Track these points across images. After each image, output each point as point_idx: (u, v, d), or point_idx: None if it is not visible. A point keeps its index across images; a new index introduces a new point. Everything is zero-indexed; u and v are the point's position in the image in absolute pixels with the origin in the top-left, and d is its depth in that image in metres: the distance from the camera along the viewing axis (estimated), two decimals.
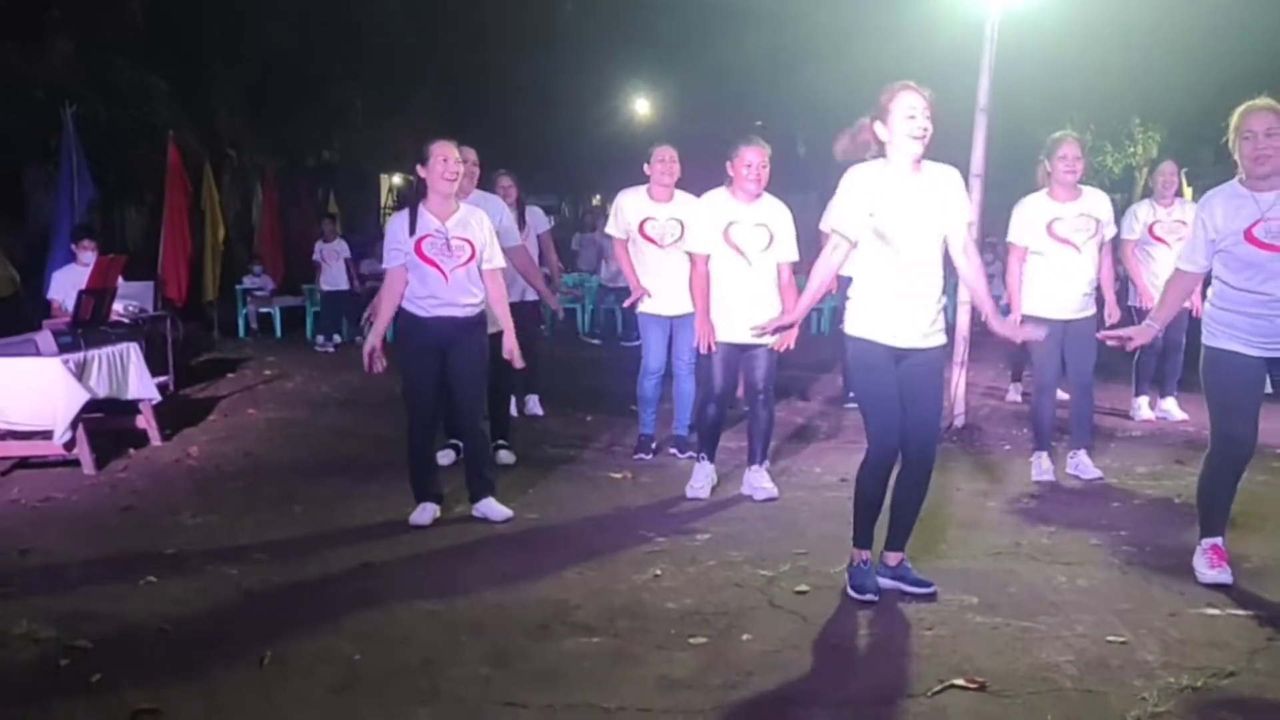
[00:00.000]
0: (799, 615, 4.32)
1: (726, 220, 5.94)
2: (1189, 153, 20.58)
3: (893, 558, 4.54)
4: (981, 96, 7.84)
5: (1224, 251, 4.48)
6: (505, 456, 6.90)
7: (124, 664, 3.89)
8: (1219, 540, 4.64)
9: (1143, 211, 8.07)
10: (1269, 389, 4.64)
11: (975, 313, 8.40)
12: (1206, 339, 4.60)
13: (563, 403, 9.06)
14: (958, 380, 7.89)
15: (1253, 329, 4.46)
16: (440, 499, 5.79)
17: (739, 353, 6.02)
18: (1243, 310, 4.46)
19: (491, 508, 5.72)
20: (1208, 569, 4.59)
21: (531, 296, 8.45)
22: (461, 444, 6.77)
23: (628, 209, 7.01)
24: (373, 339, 5.63)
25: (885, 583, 4.52)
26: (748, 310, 5.91)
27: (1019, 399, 9.10)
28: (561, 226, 22.92)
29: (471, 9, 20.09)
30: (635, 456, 7.13)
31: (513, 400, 8.67)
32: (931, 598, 4.39)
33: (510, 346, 5.74)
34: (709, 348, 5.96)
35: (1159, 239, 7.92)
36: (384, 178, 25.86)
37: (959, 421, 7.86)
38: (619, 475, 6.73)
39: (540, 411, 8.82)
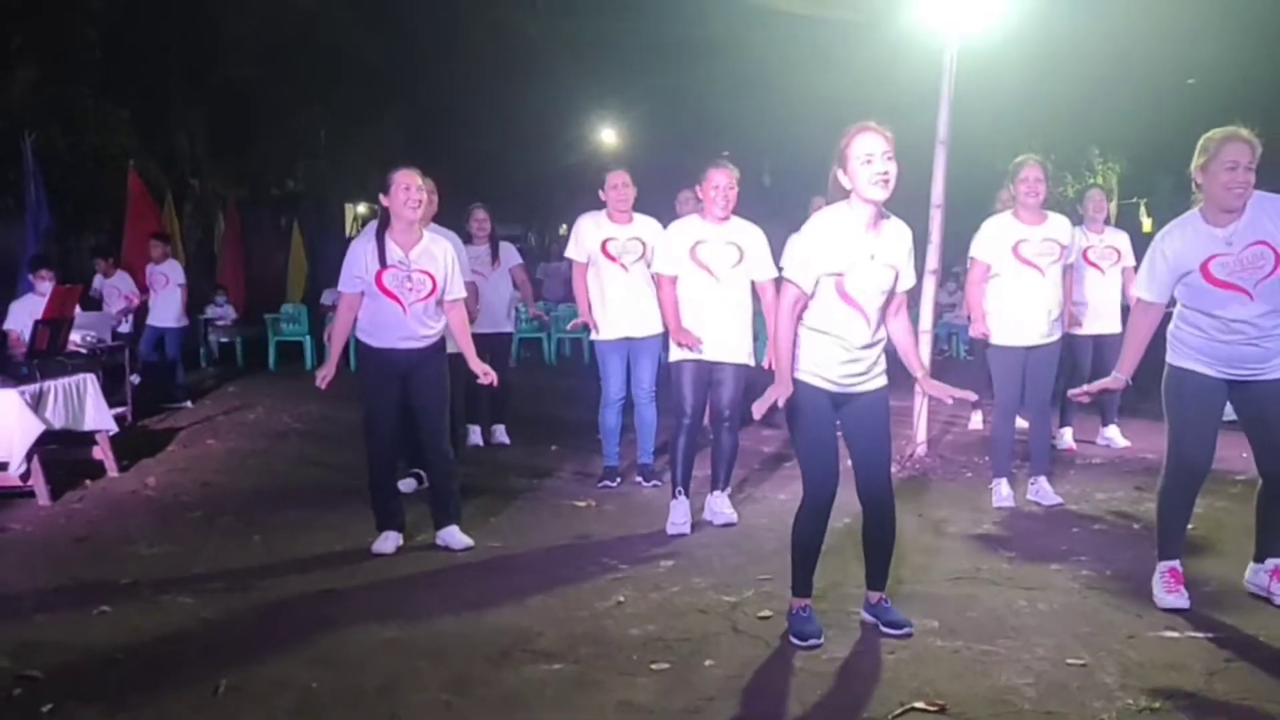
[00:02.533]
0: (762, 640, 4.31)
1: (694, 240, 5.97)
2: (1148, 182, 20.89)
3: (873, 596, 4.47)
4: (941, 128, 7.91)
5: (1184, 283, 4.51)
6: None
7: (77, 693, 3.83)
8: (1176, 563, 4.67)
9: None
10: (1230, 415, 4.66)
11: (935, 341, 8.51)
12: (1170, 358, 4.64)
13: (528, 432, 9.04)
14: (919, 408, 7.94)
15: (1213, 351, 4.50)
16: (403, 527, 5.75)
17: (708, 370, 6.03)
18: (1203, 333, 4.51)
19: (454, 536, 5.69)
20: (1165, 594, 4.62)
21: (506, 329, 8.53)
22: (423, 472, 6.77)
23: (587, 232, 7.03)
24: (327, 368, 5.58)
25: (865, 617, 4.48)
26: (716, 328, 5.93)
27: (980, 426, 9.15)
28: (526, 256, 22.94)
29: (435, 38, 20.13)
30: (600, 485, 7.11)
31: (478, 430, 8.69)
32: (905, 638, 4.30)
33: (477, 368, 5.69)
34: (695, 345, 5.93)
35: (1093, 264, 8.02)
36: (348, 207, 25.80)
37: (920, 449, 7.89)
38: (583, 504, 6.71)
39: (507, 440, 8.82)
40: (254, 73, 17.32)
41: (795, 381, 4.25)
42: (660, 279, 6.09)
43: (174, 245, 14.28)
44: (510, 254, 8.82)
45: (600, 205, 7.06)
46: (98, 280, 10.80)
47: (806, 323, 4.26)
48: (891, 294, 4.28)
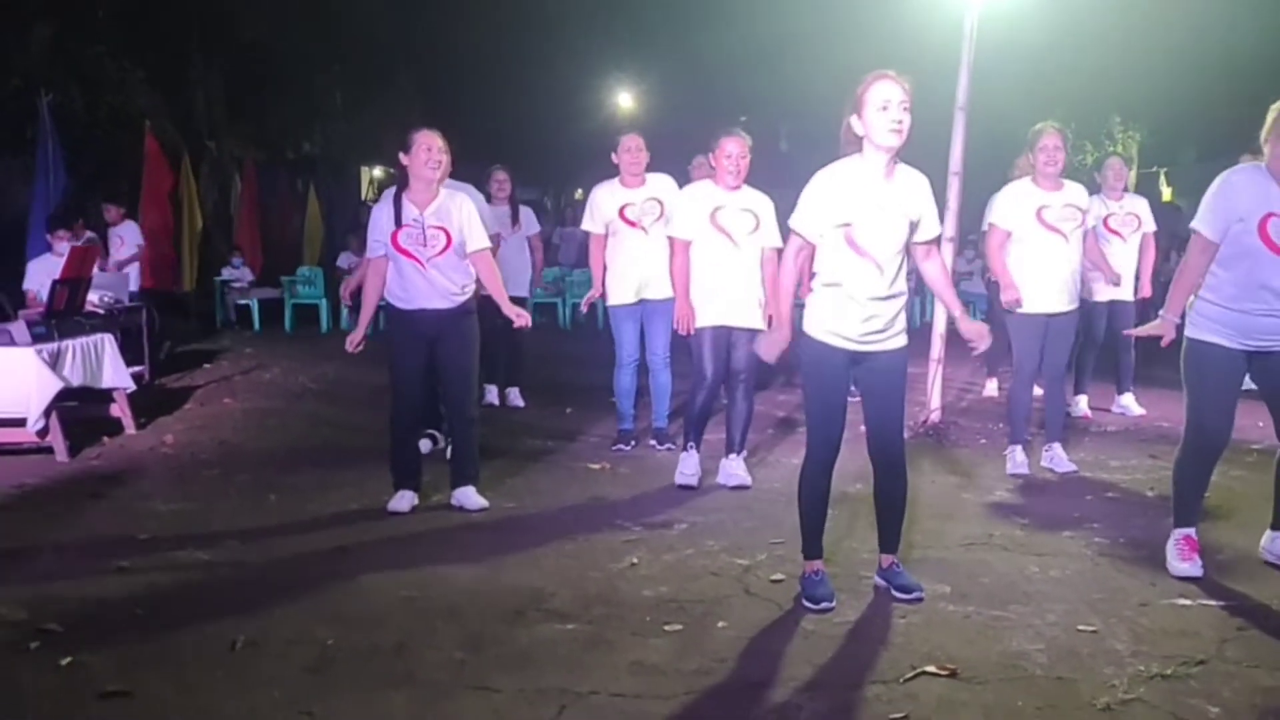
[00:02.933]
0: (774, 603, 4.32)
1: (713, 205, 5.96)
2: (1170, 152, 20.71)
3: (884, 559, 4.47)
4: (961, 94, 7.85)
5: (1229, 234, 4.44)
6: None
7: (95, 646, 3.86)
8: (1191, 531, 4.66)
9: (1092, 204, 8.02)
10: (1249, 384, 4.64)
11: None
12: (1190, 331, 4.61)
13: (543, 395, 9.07)
14: (934, 376, 7.93)
15: (1232, 322, 4.47)
16: (419, 487, 5.78)
17: (727, 335, 6.04)
18: (1226, 303, 4.48)
19: (469, 497, 5.72)
20: (1179, 561, 4.62)
21: (519, 293, 8.46)
22: (437, 433, 6.81)
23: (603, 201, 7.03)
24: (357, 333, 5.63)
25: (878, 582, 4.48)
26: (735, 293, 5.94)
27: (995, 394, 9.14)
28: (542, 220, 22.89)
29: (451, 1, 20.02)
30: (614, 448, 7.14)
31: (494, 391, 8.71)
32: (916, 602, 4.31)
33: (510, 312, 5.72)
34: (689, 330, 5.97)
35: (1114, 231, 7.99)
36: (365, 170, 25.76)
37: (935, 416, 7.89)
38: (597, 466, 6.73)
39: (521, 403, 8.85)
40: (270, 34, 17.25)
41: (812, 340, 4.26)
42: (675, 244, 6.07)
43: (191, 207, 14.33)
44: (530, 220, 8.81)
45: (614, 169, 7.05)
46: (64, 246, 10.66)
47: (821, 278, 4.26)
48: (908, 244, 4.26)
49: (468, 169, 7.33)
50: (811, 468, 4.37)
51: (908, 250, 4.29)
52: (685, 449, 6.19)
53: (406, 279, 5.55)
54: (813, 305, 4.30)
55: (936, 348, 7.89)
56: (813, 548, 4.41)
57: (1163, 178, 21.05)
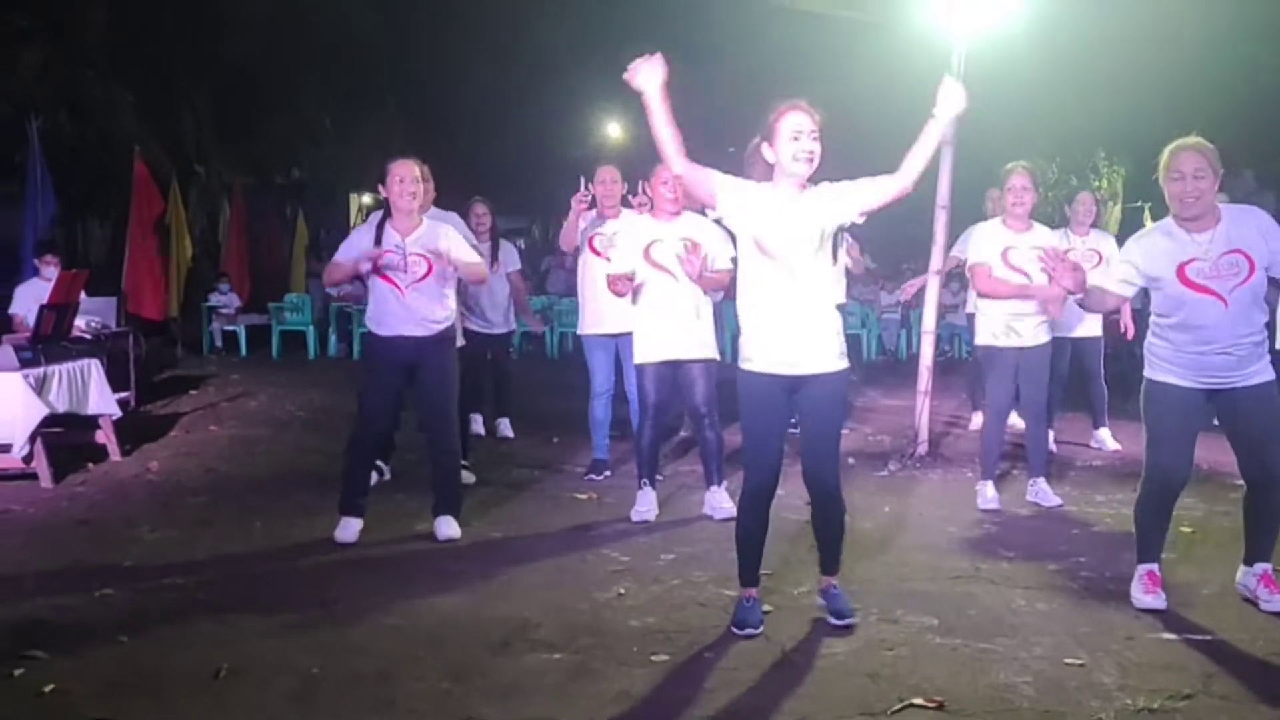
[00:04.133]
0: (762, 635, 4.31)
1: (648, 239, 5.99)
2: (1154, 187, 20.83)
3: (823, 581, 4.51)
4: (948, 129, 7.88)
5: (1157, 288, 4.54)
6: (467, 476, 6.79)
7: (78, 674, 3.85)
8: (1154, 566, 4.69)
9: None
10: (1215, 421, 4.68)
11: (937, 342, 8.50)
12: (1147, 371, 4.67)
13: (531, 425, 9.05)
14: (922, 408, 7.95)
15: (1185, 363, 4.52)
16: (363, 514, 5.69)
17: (671, 370, 6.05)
18: (1176, 345, 4.53)
19: (445, 525, 5.69)
20: (1142, 594, 4.65)
21: (505, 329, 8.37)
22: (384, 465, 6.80)
23: (579, 227, 7.09)
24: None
25: (818, 601, 4.51)
26: (677, 329, 5.95)
27: (981, 427, 9.15)
28: (531, 249, 22.88)
29: (443, 27, 20.10)
30: (586, 478, 7.12)
31: (480, 420, 8.68)
32: (847, 630, 4.32)
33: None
34: (621, 290, 5.95)
35: None
36: (353, 196, 25.77)
37: (922, 449, 7.90)
38: (584, 496, 6.72)
39: (510, 434, 8.82)
40: (259, 58, 17.30)
41: (746, 373, 4.27)
42: (612, 279, 6.04)
43: (179, 232, 14.31)
44: (510, 256, 8.60)
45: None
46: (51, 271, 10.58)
47: (743, 301, 4.27)
48: (826, 259, 4.22)
49: (456, 196, 7.33)
50: (745, 498, 4.39)
51: (839, 272, 4.29)
52: (640, 487, 6.19)
53: (383, 304, 5.57)
54: (743, 337, 4.30)
55: (924, 380, 7.92)
56: (748, 576, 4.44)
57: (1147, 213, 21.19)
